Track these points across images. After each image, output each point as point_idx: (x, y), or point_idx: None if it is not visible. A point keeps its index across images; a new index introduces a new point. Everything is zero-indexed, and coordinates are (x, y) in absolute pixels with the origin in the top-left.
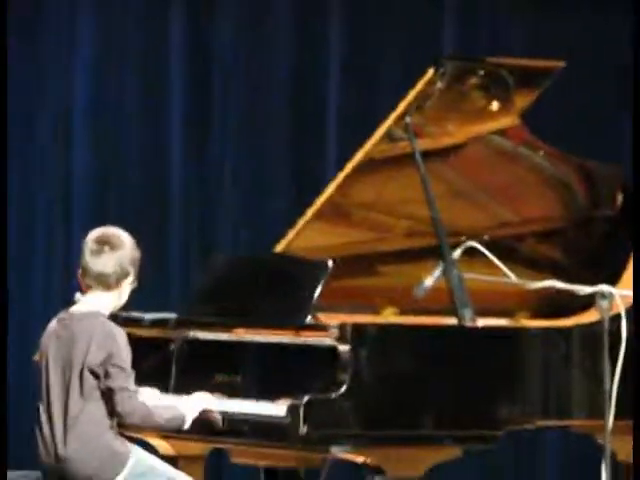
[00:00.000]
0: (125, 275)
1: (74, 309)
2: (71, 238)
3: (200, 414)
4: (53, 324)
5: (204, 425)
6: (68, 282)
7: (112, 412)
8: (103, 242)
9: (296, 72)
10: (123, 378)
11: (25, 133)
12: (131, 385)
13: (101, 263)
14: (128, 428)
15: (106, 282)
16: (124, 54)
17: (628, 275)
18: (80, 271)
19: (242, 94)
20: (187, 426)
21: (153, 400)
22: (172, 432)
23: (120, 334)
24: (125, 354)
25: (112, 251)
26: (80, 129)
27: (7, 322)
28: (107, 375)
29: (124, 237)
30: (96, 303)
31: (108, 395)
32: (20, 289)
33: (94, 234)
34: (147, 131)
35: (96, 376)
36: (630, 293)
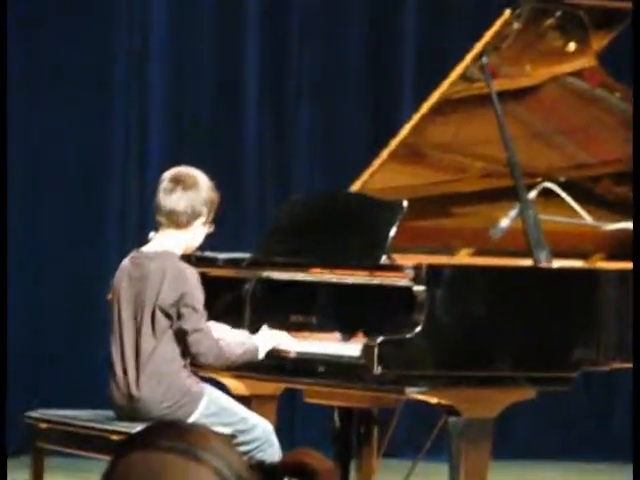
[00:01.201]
0: (197, 216)
1: (146, 248)
2: (145, 181)
3: (275, 353)
4: (126, 262)
5: (278, 364)
6: (142, 228)
7: (185, 352)
8: (177, 181)
9: (371, 16)
10: (196, 319)
11: (102, 75)
12: (204, 325)
13: (173, 201)
14: (204, 368)
15: (176, 220)
16: None
17: None
18: (155, 209)
19: (318, 39)
20: (261, 357)
21: (225, 334)
22: (247, 368)
23: (192, 273)
24: (197, 294)
25: (185, 190)
26: (156, 69)
27: (6, 312)
28: (180, 316)
29: (199, 177)
30: (167, 242)
31: (181, 336)
32: (96, 235)
33: (169, 173)
34: (223, 70)
35: (168, 316)
36: None
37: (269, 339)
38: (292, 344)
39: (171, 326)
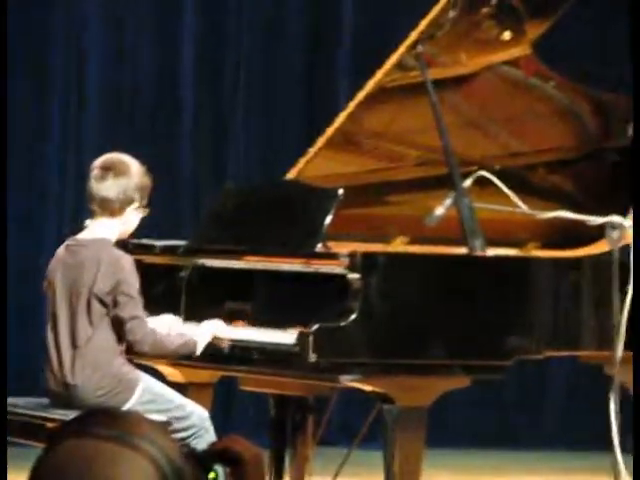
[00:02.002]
0: (130, 202)
1: (81, 236)
2: (82, 167)
3: (210, 341)
4: (61, 250)
5: (213, 352)
6: (79, 213)
7: (122, 340)
8: (108, 168)
9: (309, 4)
10: (132, 306)
11: (39, 59)
12: (140, 312)
13: (104, 189)
14: (140, 356)
15: (109, 208)
16: None
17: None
18: (87, 197)
19: (255, 24)
20: (199, 352)
21: (164, 328)
22: (183, 359)
23: (127, 261)
24: (133, 281)
25: (116, 177)
26: (95, 47)
27: (6, 312)
28: (116, 304)
29: (130, 163)
30: (102, 230)
31: (118, 324)
32: (35, 217)
33: (100, 160)
34: (161, 56)
35: (104, 304)
36: None
37: (208, 336)
38: (228, 332)
39: (107, 314)
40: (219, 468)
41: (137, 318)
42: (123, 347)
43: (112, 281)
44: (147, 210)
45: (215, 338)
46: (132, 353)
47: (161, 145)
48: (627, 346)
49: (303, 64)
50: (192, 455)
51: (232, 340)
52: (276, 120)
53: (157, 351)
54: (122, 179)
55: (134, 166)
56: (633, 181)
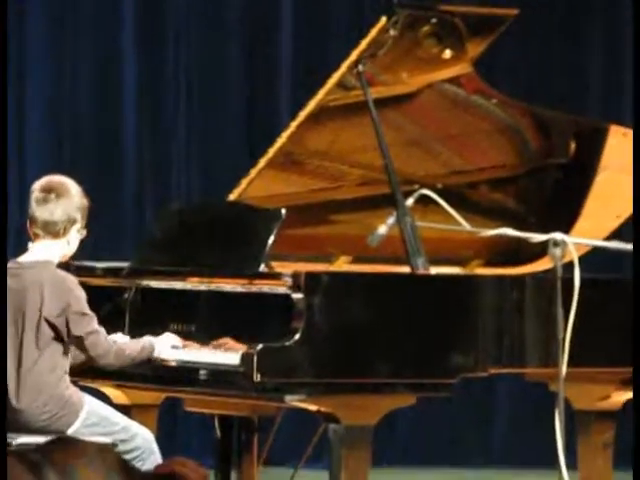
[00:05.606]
0: (72, 222)
1: (23, 258)
2: (24, 186)
3: (153, 361)
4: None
5: (159, 373)
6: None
7: (67, 362)
8: (48, 190)
9: (248, 23)
10: (87, 322)
11: None
12: (96, 326)
13: (47, 211)
14: (105, 369)
15: (53, 230)
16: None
17: (581, 223)
18: (28, 221)
19: (194, 46)
20: (157, 353)
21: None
22: (125, 375)
23: (71, 280)
24: (81, 298)
25: (58, 199)
26: (35, 70)
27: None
28: (70, 324)
29: (70, 185)
30: (45, 252)
31: (78, 344)
32: None
33: (39, 183)
34: (101, 72)
35: (53, 327)
36: (583, 241)
37: (163, 339)
38: (175, 351)
39: (55, 337)
40: None
41: (94, 332)
42: (67, 369)
43: (61, 303)
44: (85, 231)
45: (159, 359)
46: (96, 369)
47: (104, 161)
48: (571, 362)
49: (244, 80)
50: (137, 477)
51: (176, 360)
52: (217, 138)
53: (121, 359)
54: (64, 200)
55: (73, 187)
56: (634, 181)
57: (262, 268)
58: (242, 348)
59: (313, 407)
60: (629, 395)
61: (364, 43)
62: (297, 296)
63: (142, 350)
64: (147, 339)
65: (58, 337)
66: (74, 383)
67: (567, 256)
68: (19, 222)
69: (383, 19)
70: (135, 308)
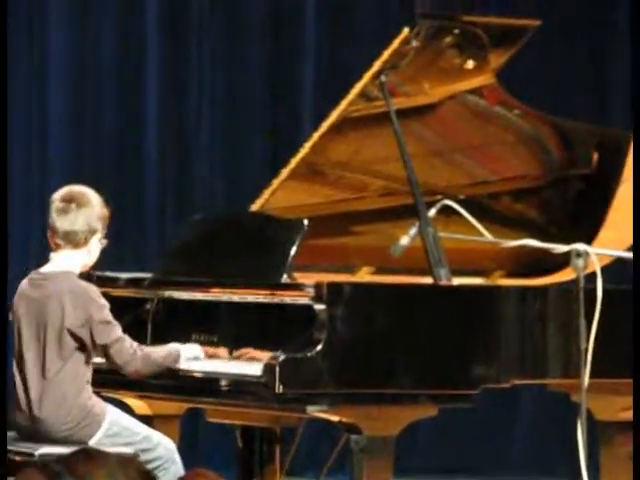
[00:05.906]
0: (93, 232)
1: (44, 269)
2: (46, 196)
3: (176, 372)
4: (24, 284)
5: (180, 384)
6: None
7: (90, 372)
8: (69, 200)
9: (272, 35)
10: (111, 330)
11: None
12: (120, 333)
13: (68, 221)
14: (130, 378)
15: (74, 240)
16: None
17: (603, 234)
18: (49, 231)
19: (219, 50)
20: (183, 360)
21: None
22: (148, 386)
23: (93, 290)
24: (104, 307)
25: (79, 208)
26: (56, 81)
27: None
28: (94, 334)
29: (90, 194)
30: (66, 262)
31: (103, 353)
32: None
33: (60, 193)
34: (124, 83)
35: (77, 338)
36: (605, 252)
37: (188, 348)
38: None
39: (79, 347)
40: None
41: (119, 340)
42: (89, 379)
43: (84, 314)
44: (106, 241)
45: (182, 369)
46: (123, 375)
47: (127, 173)
48: (593, 373)
49: (267, 93)
50: None
51: (199, 371)
52: (240, 150)
53: (148, 364)
54: (85, 210)
55: (94, 196)
56: (634, 181)
57: (284, 279)
58: (264, 358)
59: (335, 418)
60: None
61: (386, 54)
62: (319, 307)
63: (168, 355)
64: (173, 345)
65: (82, 347)
66: (97, 394)
67: (589, 267)
68: (42, 232)
69: (405, 30)
70: (157, 319)
